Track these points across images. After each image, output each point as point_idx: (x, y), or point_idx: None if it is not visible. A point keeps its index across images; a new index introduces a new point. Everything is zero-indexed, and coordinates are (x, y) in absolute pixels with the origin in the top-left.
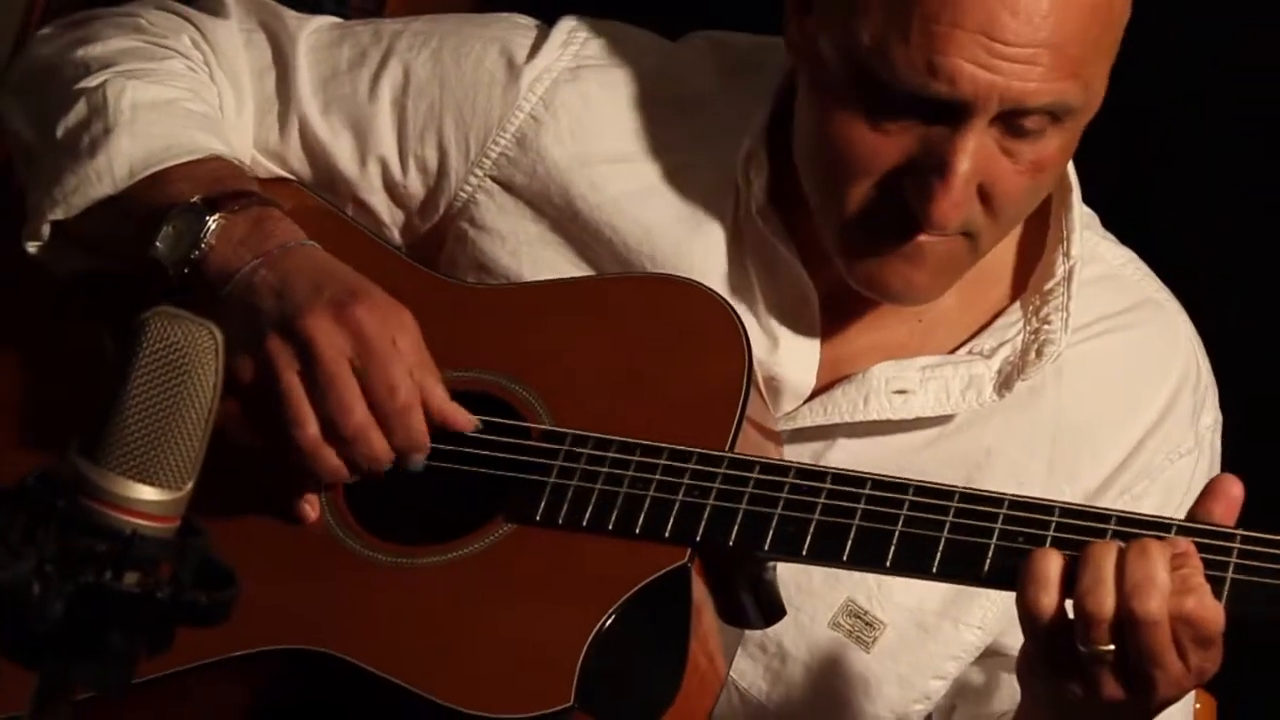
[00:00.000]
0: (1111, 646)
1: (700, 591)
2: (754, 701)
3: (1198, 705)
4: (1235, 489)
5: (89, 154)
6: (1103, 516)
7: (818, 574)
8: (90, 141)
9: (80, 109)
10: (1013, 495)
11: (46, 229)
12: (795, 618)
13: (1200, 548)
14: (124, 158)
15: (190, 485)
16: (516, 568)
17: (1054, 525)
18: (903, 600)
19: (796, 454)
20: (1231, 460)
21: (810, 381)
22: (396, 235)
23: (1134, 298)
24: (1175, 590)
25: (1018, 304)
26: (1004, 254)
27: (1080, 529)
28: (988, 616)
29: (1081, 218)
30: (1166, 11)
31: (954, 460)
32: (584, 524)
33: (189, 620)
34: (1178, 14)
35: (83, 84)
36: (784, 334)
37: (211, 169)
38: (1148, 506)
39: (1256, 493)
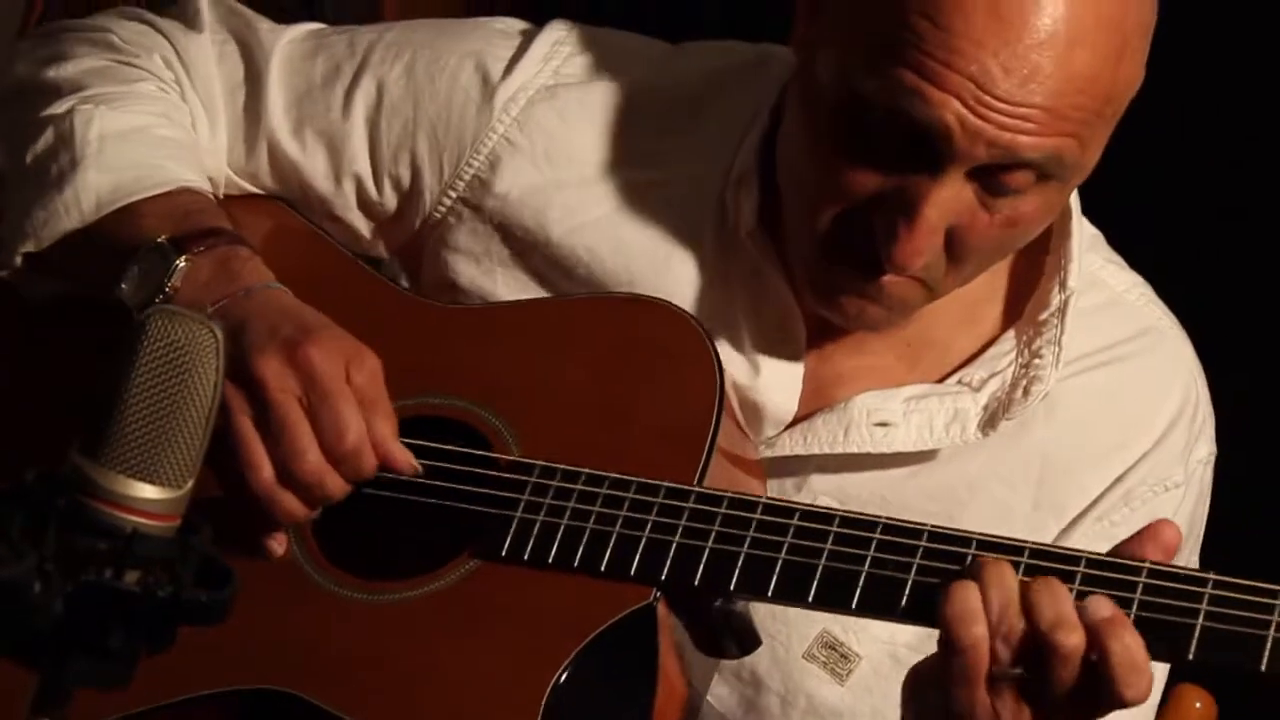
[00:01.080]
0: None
1: (670, 623)
2: None
3: (1198, 704)
4: (1171, 537)
5: (57, 186)
6: (1072, 558)
7: None
8: (58, 173)
9: (48, 137)
10: (980, 534)
11: (19, 260)
12: (770, 647)
13: (1105, 583)
14: (91, 191)
15: (190, 484)
16: (481, 605)
17: (1023, 567)
18: (878, 633)
19: (776, 484)
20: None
21: (792, 408)
22: (378, 248)
23: (1136, 326)
24: (1093, 626)
25: (1011, 333)
26: (999, 276)
27: (1049, 570)
28: None
29: (1082, 243)
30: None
31: (936, 494)
32: (549, 560)
33: (189, 619)
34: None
35: (51, 110)
36: (766, 359)
37: (181, 203)
38: (1123, 535)
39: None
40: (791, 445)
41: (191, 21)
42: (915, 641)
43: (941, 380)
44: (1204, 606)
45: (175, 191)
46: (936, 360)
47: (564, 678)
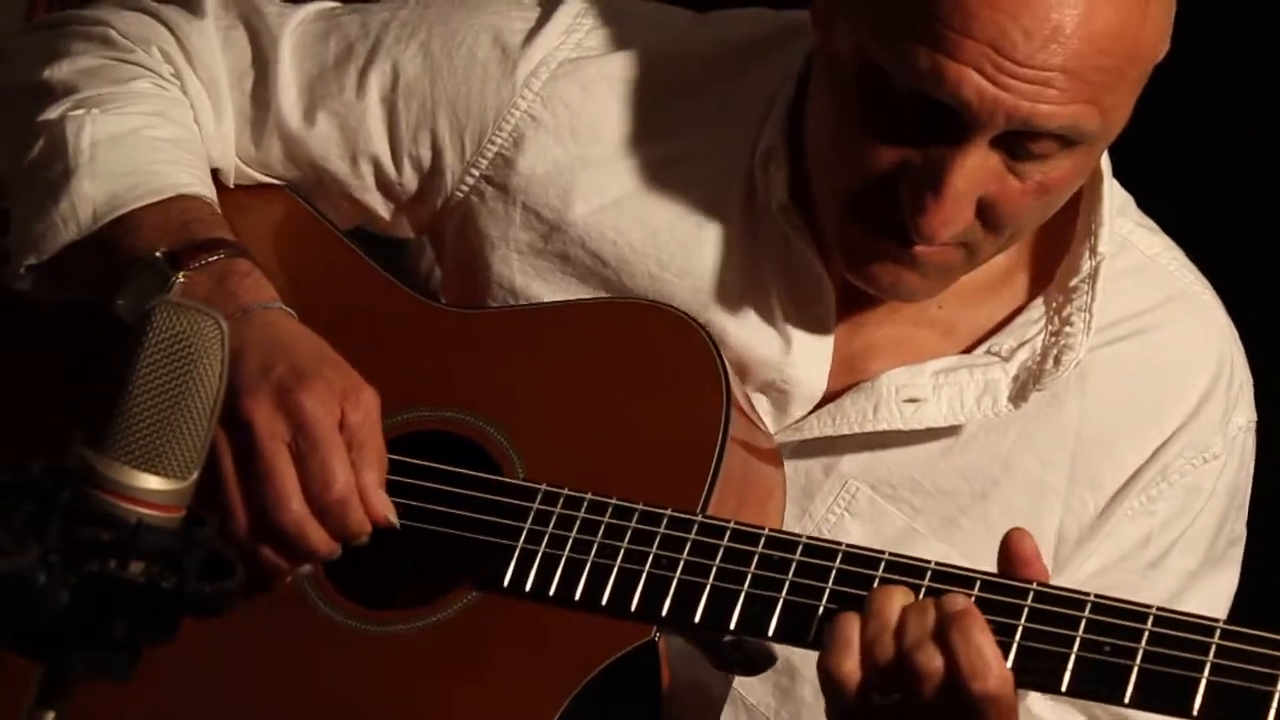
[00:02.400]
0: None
1: (678, 649)
2: (762, 718)
3: None
4: (1027, 547)
5: (52, 198)
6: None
7: None
8: (52, 183)
9: (42, 144)
10: (985, 574)
11: (24, 271)
12: None
13: (993, 606)
14: (86, 202)
15: (195, 475)
16: (481, 639)
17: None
18: None
19: (806, 467)
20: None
21: (822, 383)
22: (402, 229)
23: (1167, 291)
24: (958, 644)
25: (1040, 300)
26: (1024, 248)
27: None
28: None
29: (1113, 206)
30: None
31: (969, 474)
32: (550, 594)
33: (193, 610)
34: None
35: (44, 115)
36: (797, 334)
37: (177, 212)
38: (1164, 510)
39: None
40: (820, 426)
41: (195, 8)
42: None
43: (970, 349)
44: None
45: (172, 199)
46: (966, 327)
47: (564, 717)
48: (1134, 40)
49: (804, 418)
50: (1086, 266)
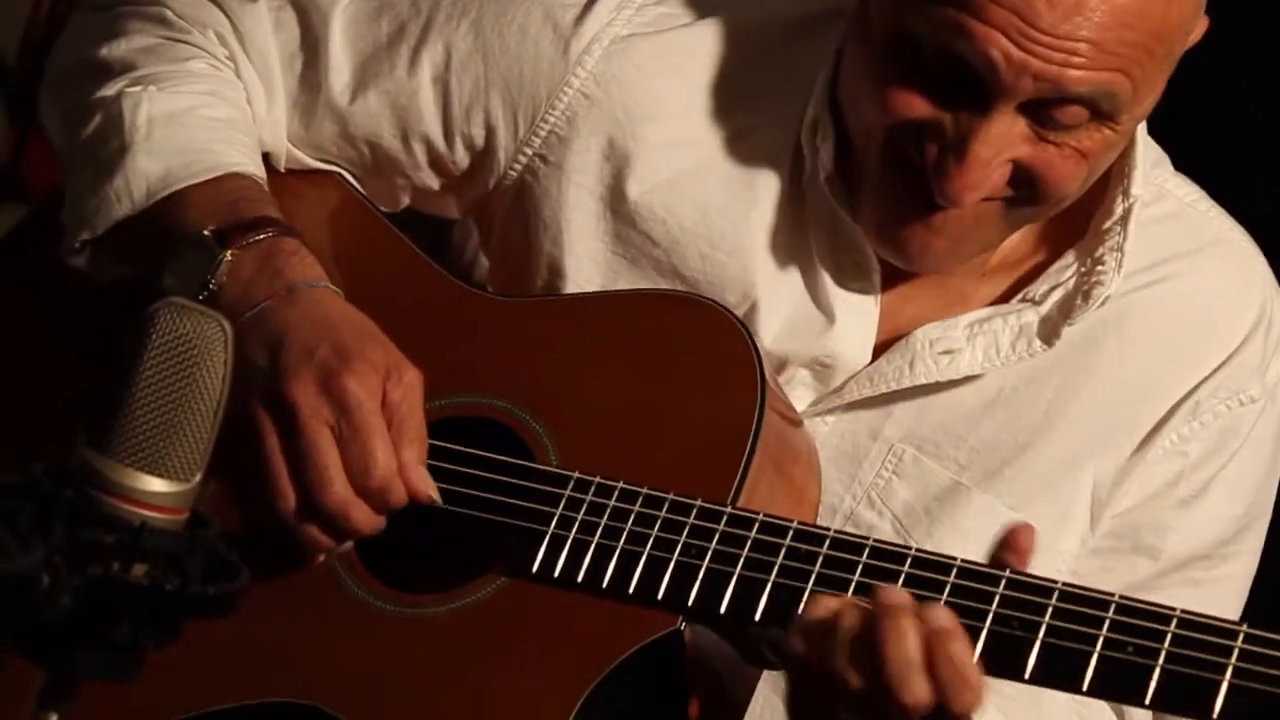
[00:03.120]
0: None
1: (706, 641)
2: None
3: None
4: (1025, 542)
5: (108, 173)
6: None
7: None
8: (108, 158)
9: (99, 120)
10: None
11: (78, 246)
12: None
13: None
14: (140, 178)
15: (199, 477)
16: (509, 624)
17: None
18: None
19: (850, 428)
20: None
21: (866, 355)
22: (449, 207)
23: (1205, 236)
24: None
25: (1073, 250)
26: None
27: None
28: None
29: (1147, 155)
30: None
31: (1012, 425)
32: (579, 580)
33: (197, 612)
34: None
35: (102, 91)
36: (841, 308)
37: (228, 190)
38: (1195, 450)
39: None
40: (860, 389)
41: None
42: None
43: (1005, 299)
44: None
45: (223, 177)
46: (1000, 278)
47: (588, 702)
48: (1159, 18)
49: (843, 385)
50: (1120, 209)
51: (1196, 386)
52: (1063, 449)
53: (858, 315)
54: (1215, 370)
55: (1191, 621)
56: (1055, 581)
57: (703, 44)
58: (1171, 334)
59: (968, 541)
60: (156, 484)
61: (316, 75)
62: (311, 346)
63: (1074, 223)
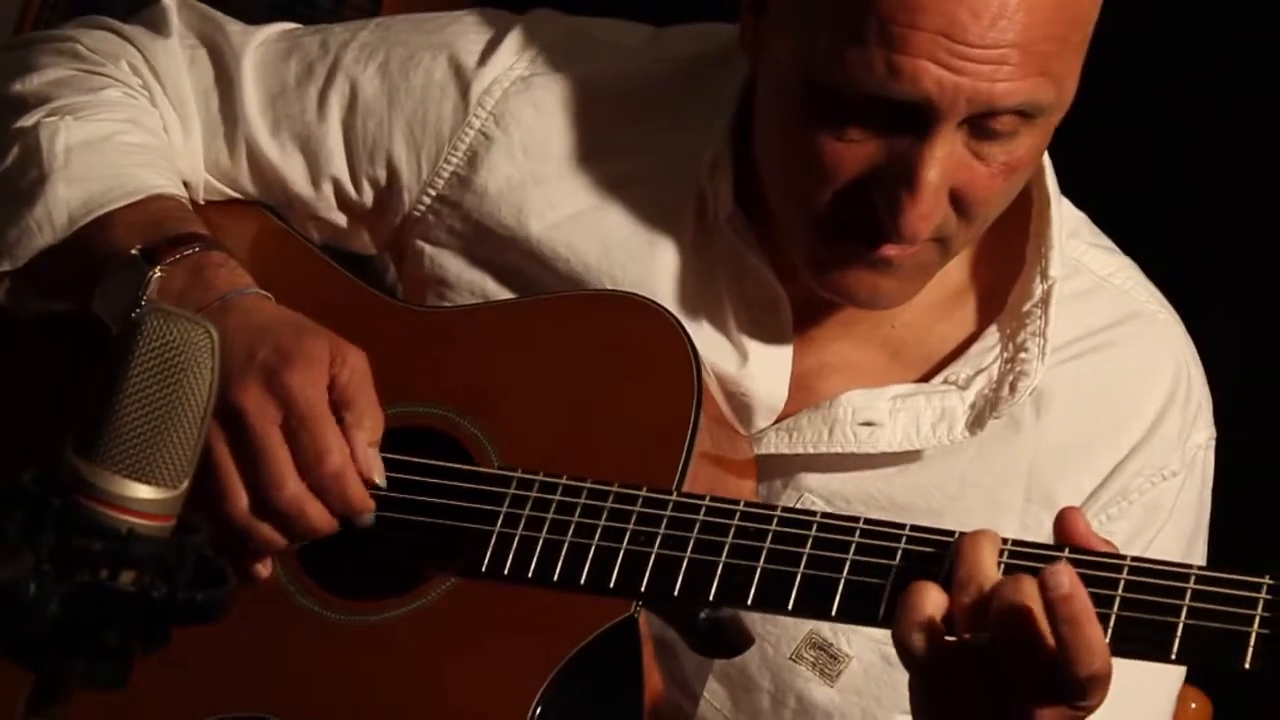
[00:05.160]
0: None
1: (656, 630)
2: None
3: (1194, 705)
4: (1081, 525)
5: (28, 203)
6: (1057, 546)
7: None
8: (27, 188)
9: (15, 153)
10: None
11: None
12: (760, 647)
13: (1089, 580)
14: (61, 205)
15: (186, 484)
16: (463, 623)
17: (1003, 566)
18: (870, 632)
19: (765, 482)
20: (1228, 475)
21: (782, 394)
22: (364, 244)
23: (1122, 310)
24: (1047, 585)
25: (994, 327)
26: (970, 265)
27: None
28: None
29: (1062, 230)
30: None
31: (925, 490)
32: (529, 576)
33: (184, 619)
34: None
35: (18, 124)
36: (754, 345)
37: (152, 211)
38: (1123, 529)
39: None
40: (777, 444)
41: (159, 28)
42: None
43: (926, 378)
44: (1186, 603)
45: (146, 199)
46: (919, 351)
47: (548, 694)
48: (1075, 4)
49: (761, 433)
50: (1039, 291)
51: (1119, 464)
52: (975, 518)
53: (770, 354)
54: (1136, 446)
55: (1142, 569)
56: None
57: (604, 85)
58: (1089, 408)
59: None
60: (144, 491)
61: (232, 110)
62: (252, 350)
63: (989, 286)
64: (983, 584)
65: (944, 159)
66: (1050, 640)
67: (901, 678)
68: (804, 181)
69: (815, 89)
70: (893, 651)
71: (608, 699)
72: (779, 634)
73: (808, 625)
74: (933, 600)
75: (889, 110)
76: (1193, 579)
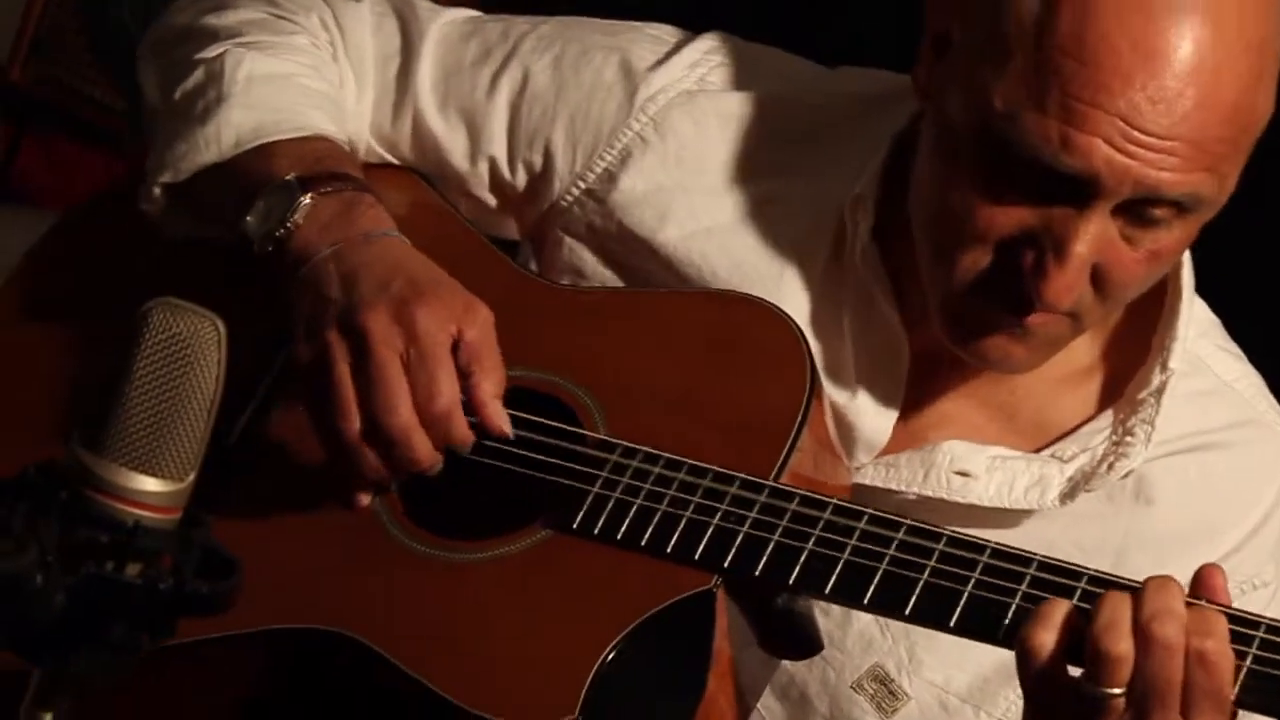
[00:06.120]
0: (1119, 690)
1: (731, 616)
2: None
3: None
4: (1220, 582)
5: (200, 121)
6: (1129, 587)
7: (852, 633)
8: (203, 108)
9: (198, 75)
10: (1042, 556)
11: (158, 191)
12: (823, 671)
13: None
14: (232, 128)
15: (193, 476)
16: (546, 574)
17: (1079, 593)
18: (931, 677)
19: (862, 498)
20: None
21: (885, 433)
22: (508, 229)
23: (1239, 415)
24: (1195, 629)
25: (1110, 412)
26: (1101, 351)
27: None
28: (1011, 710)
29: (1191, 325)
30: None
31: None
32: (618, 538)
33: (191, 611)
34: None
35: (204, 53)
36: (867, 381)
37: (316, 148)
38: None
39: None
40: (874, 476)
41: None
42: (967, 692)
43: (1034, 449)
44: None
45: (312, 138)
46: (1029, 425)
47: (614, 653)
48: (1251, 110)
49: (860, 466)
50: (1156, 380)
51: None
52: None
53: (881, 395)
54: (1231, 552)
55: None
56: (1261, 618)
57: (765, 110)
58: (1190, 504)
59: None
60: (150, 483)
61: (406, 80)
62: (386, 281)
63: (1114, 373)
64: (1122, 636)
65: (1095, 236)
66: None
67: None
68: (953, 235)
69: (984, 142)
70: (952, 699)
71: (672, 669)
72: (844, 660)
73: (874, 658)
74: (1063, 611)
75: (1052, 179)
76: None
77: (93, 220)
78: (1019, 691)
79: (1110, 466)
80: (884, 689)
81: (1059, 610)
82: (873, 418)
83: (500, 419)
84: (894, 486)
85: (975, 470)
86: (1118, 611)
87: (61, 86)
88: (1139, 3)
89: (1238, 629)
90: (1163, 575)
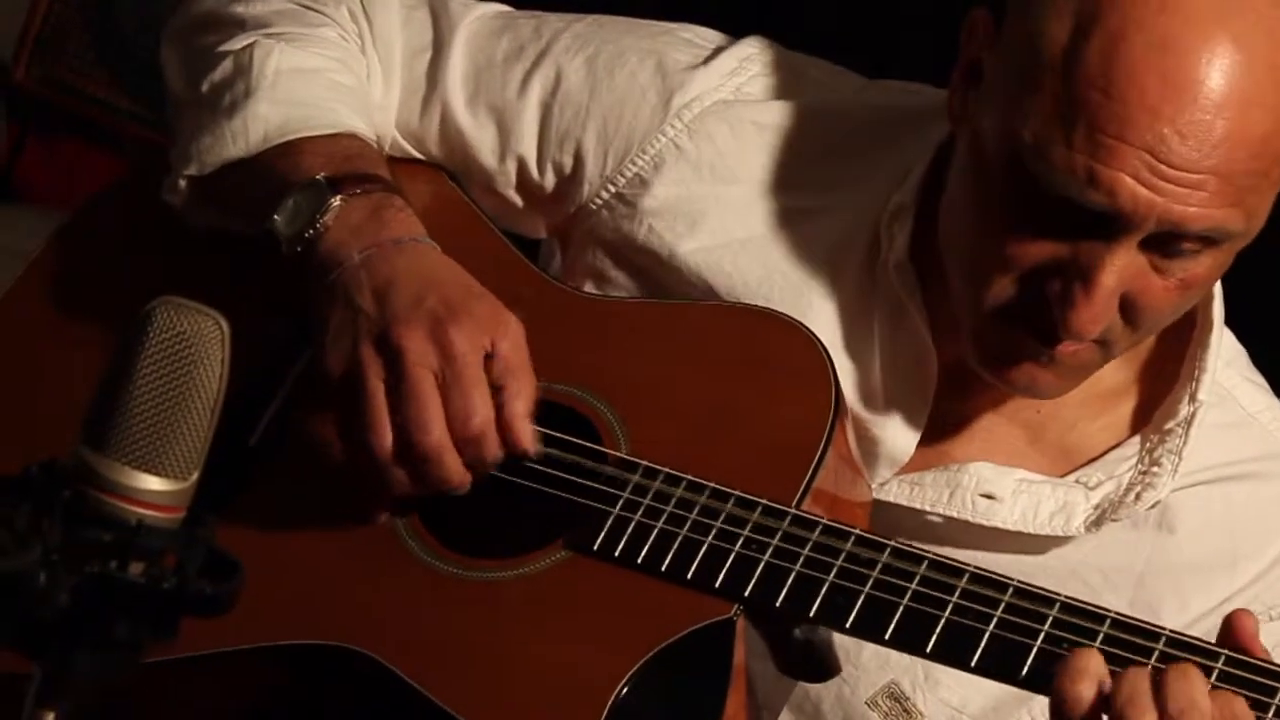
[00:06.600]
0: None
1: (750, 641)
2: None
3: None
4: (1249, 627)
5: (227, 114)
6: (1153, 634)
7: (868, 650)
8: (231, 101)
9: (226, 67)
10: (1065, 597)
11: (183, 183)
12: (838, 685)
13: (1246, 684)
14: (260, 123)
15: (196, 475)
16: (565, 595)
17: (1102, 636)
18: (946, 697)
19: (884, 515)
20: None
21: (909, 448)
22: (534, 227)
23: (1264, 449)
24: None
25: (1137, 438)
26: (1131, 376)
27: (1127, 643)
28: None
29: (1220, 356)
30: None
31: (1032, 571)
32: (639, 561)
33: (194, 610)
34: None
35: (232, 44)
36: (894, 395)
37: (345, 146)
38: None
39: None
40: (898, 494)
41: None
42: (982, 714)
43: (1060, 473)
44: None
45: (341, 135)
46: (1055, 446)
47: (635, 677)
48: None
49: (884, 483)
50: (1184, 411)
51: (1230, 597)
52: None
53: (907, 409)
54: (1251, 582)
55: (1235, 660)
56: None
57: (803, 122)
58: (1213, 535)
59: None
60: (154, 482)
61: (436, 74)
62: (420, 296)
63: (1143, 399)
64: (1146, 710)
65: (1123, 268)
66: None
67: None
68: (983, 263)
69: (1014, 173)
70: None
71: (690, 696)
72: (859, 676)
73: (890, 675)
74: (1099, 664)
75: (1080, 213)
76: None
77: (95, 220)
78: (1033, 714)
79: (1137, 497)
80: (898, 706)
81: (1094, 661)
82: (897, 433)
83: (531, 440)
84: (918, 505)
85: (1001, 493)
86: (1138, 689)
87: (65, 87)
88: (1167, 34)
89: (1263, 680)
90: (1182, 664)
